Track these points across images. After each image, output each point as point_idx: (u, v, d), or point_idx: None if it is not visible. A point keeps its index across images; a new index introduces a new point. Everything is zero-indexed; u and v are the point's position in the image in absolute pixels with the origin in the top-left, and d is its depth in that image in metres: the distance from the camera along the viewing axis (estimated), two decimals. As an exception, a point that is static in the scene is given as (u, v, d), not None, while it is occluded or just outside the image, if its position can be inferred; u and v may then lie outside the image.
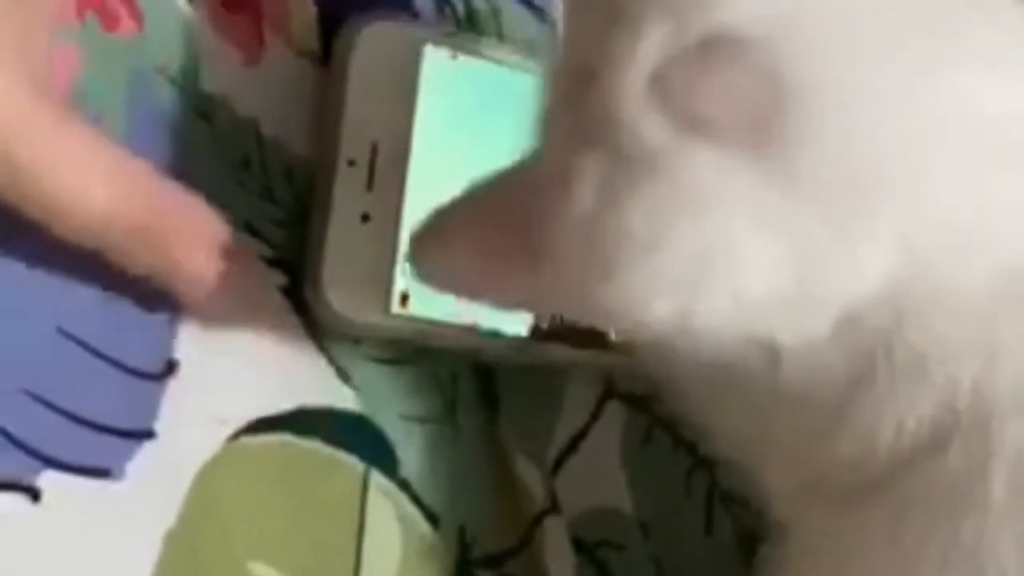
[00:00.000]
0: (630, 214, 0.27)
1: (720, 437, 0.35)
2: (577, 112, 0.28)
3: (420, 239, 0.31)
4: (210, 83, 0.36)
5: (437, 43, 0.39)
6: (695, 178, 0.27)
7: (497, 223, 0.29)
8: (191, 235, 0.33)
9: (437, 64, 0.39)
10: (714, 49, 0.26)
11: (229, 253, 0.33)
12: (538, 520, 0.40)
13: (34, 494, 0.33)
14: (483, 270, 0.29)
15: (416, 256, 0.31)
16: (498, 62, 0.40)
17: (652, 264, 0.27)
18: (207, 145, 0.36)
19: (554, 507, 0.40)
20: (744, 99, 0.26)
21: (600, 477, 0.42)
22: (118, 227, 0.31)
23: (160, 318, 0.35)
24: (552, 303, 0.30)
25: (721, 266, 0.27)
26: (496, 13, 0.42)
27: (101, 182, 0.30)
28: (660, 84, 0.27)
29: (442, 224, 0.31)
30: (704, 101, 0.26)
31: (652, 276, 0.27)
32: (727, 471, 0.42)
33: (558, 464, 0.41)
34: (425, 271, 0.31)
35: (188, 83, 0.36)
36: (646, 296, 0.27)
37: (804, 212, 0.27)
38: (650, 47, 0.27)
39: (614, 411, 0.42)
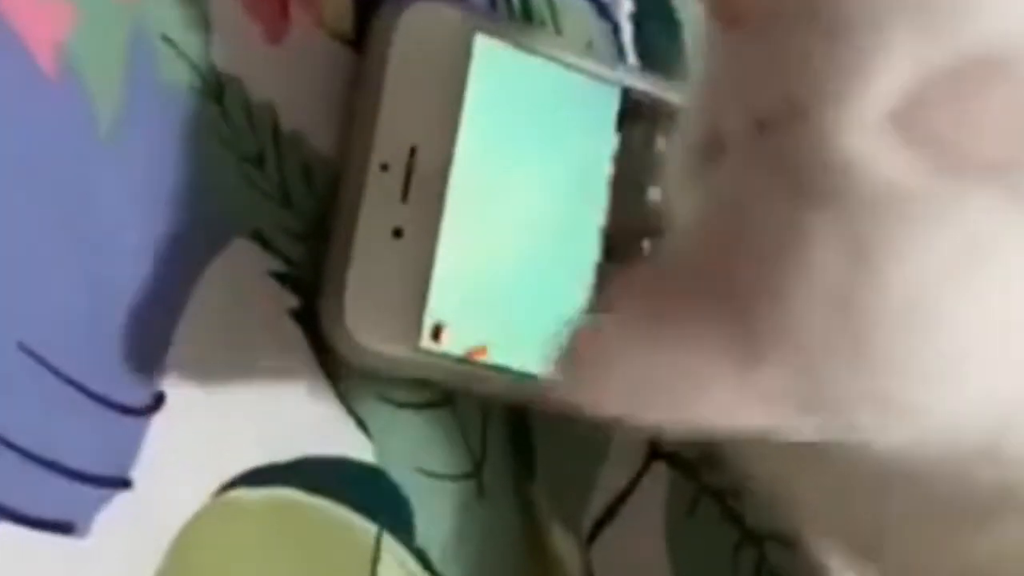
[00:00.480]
0: (895, 275, 0.22)
1: (809, 523, 0.30)
2: (774, 162, 0.23)
3: (572, 351, 0.25)
4: (222, 59, 0.32)
5: (490, 33, 0.34)
6: (976, 230, 0.22)
7: (676, 319, 0.24)
8: None
9: (489, 57, 0.34)
10: (978, 71, 0.22)
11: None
12: (573, 599, 0.36)
13: (-22, 550, 0.28)
14: (672, 378, 0.24)
15: (575, 364, 0.25)
16: (557, 60, 0.35)
17: (929, 339, 0.22)
18: (214, 132, 0.32)
19: (590, 584, 0.37)
20: (1018, 129, 0.22)
21: (640, 549, 0.38)
22: None
23: (148, 339, 0.31)
24: (771, 401, 0.24)
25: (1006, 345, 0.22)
26: (552, 7, 0.37)
27: None
28: (906, 115, 0.22)
29: (598, 327, 0.25)
30: (969, 133, 0.22)
31: (926, 356, 0.22)
32: (776, 547, 0.39)
33: (594, 532, 0.37)
34: (588, 385, 0.25)
35: (196, 57, 0.31)
36: (913, 380, 0.22)
37: None
38: (895, 72, 0.22)
39: (659, 474, 0.38)
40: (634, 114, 0.36)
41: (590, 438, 0.37)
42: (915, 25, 0.22)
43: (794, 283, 0.23)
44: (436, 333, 0.33)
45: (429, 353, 0.33)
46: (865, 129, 0.22)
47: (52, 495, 0.29)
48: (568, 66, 0.36)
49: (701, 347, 0.23)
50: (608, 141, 0.36)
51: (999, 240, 0.22)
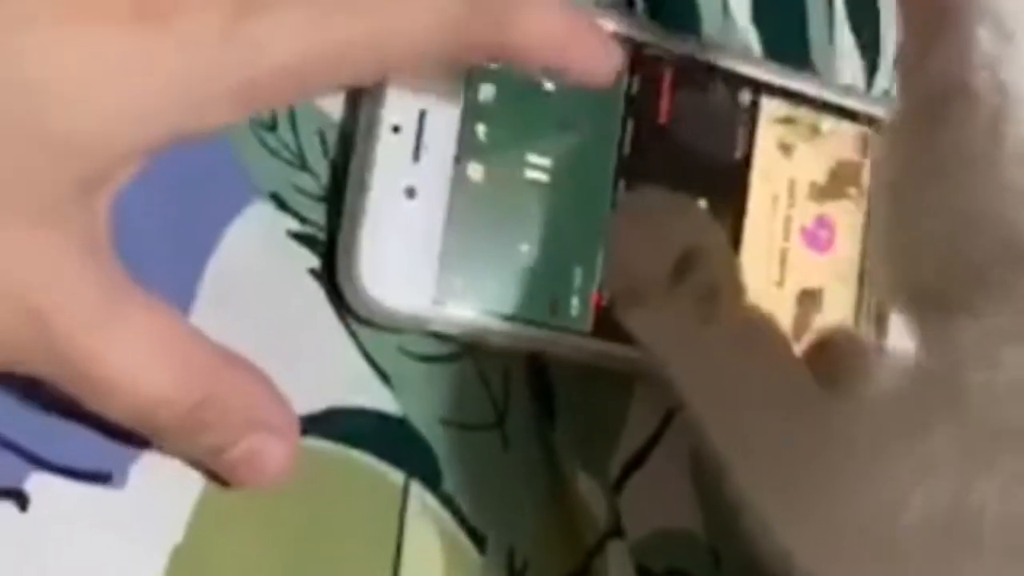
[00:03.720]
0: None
1: None
2: None
3: None
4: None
5: (495, -5, 0.35)
6: None
7: None
8: (239, 418, 0.30)
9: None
10: None
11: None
12: (599, 544, 0.36)
13: (21, 500, 0.29)
14: None
15: None
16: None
17: None
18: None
19: (617, 529, 0.36)
20: None
21: (670, 495, 0.38)
22: (168, 414, 0.29)
23: (170, 296, 0.31)
24: None
25: None
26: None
27: (154, 368, 0.28)
28: None
29: None
30: None
31: None
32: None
33: (622, 479, 0.37)
34: None
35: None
36: None
37: None
38: None
39: (686, 420, 0.37)
40: (641, 66, 0.36)
41: (612, 385, 0.37)
42: None
43: None
44: (451, 289, 0.34)
45: (446, 307, 0.34)
46: None
47: (88, 447, 0.30)
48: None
49: None
50: (617, 94, 0.36)
51: None
